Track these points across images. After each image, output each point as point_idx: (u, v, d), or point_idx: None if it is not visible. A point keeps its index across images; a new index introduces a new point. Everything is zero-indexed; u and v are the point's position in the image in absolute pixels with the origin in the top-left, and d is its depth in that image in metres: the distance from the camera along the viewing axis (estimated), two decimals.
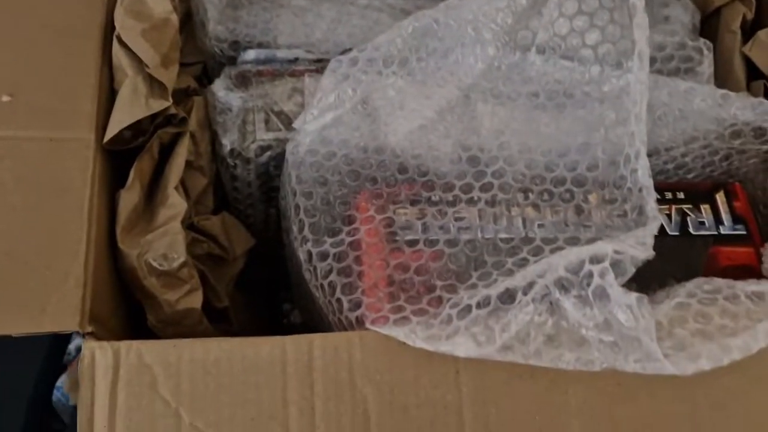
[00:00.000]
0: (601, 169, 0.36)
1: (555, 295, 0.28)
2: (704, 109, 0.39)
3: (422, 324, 0.31)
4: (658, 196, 0.42)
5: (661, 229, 0.40)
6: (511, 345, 0.28)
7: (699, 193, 0.42)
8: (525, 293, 0.29)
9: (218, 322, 0.43)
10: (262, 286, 0.53)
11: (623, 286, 0.29)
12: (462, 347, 0.29)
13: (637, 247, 0.28)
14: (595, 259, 0.28)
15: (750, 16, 0.47)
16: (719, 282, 0.31)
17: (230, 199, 0.46)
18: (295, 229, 0.39)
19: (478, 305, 0.30)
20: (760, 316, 0.29)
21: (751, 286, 0.31)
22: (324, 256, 0.36)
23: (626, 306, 0.26)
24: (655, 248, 0.40)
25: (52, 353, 0.45)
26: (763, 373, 0.31)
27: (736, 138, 0.40)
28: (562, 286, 0.28)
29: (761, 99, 0.39)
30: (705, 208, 0.42)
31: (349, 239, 0.37)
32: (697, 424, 0.30)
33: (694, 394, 0.31)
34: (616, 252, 0.27)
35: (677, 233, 0.40)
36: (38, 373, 0.44)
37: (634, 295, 0.27)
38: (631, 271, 0.28)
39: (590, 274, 0.27)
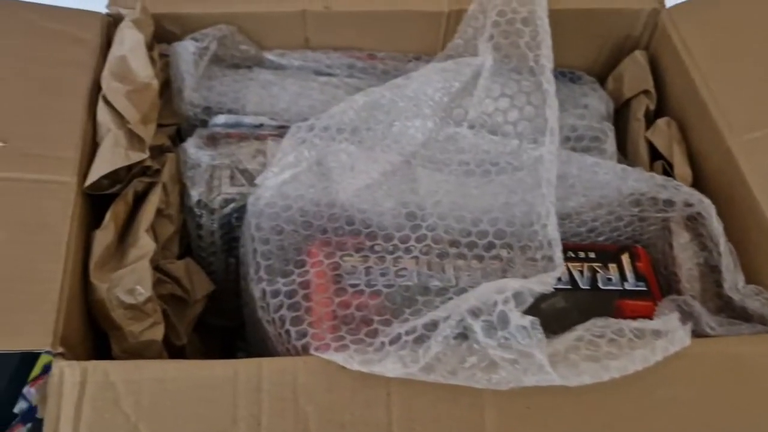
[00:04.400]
0: (518, 225, 0.42)
1: (468, 321, 0.33)
2: (607, 180, 0.46)
3: (359, 351, 0.36)
4: (572, 255, 0.48)
5: (574, 283, 0.47)
6: (432, 365, 0.33)
7: (607, 254, 0.49)
8: (444, 321, 0.34)
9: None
10: (217, 333, 0.56)
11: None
12: (391, 368, 0.34)
13: (537, 283, 0.34)
14: (500, 291, 0.33)
15: (652, 107, 0.55)
16: (610, 320, 0.37)
17: (194, 248, 0.51)
18: (251, 271, 0.43)
19: (407, 333, 0.35)
20: (638, 346, 0.34)
21: (635, 323, 0.36)
22: (276, 294, 0.41)
23: (522, 326, 0.32)
24: (568, 300, 0.46)
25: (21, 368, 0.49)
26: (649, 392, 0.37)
27: (635, 206, 0.47)
28: (473, 313, 0.33)
29: (653, 173, 0.46)
30: (612, 266, 0.48)
31: (299, 280, 0.41)
32: None
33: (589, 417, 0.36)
34: (518, 285, 0.33)
35: (588, 287, 0.47)
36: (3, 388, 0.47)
37: (528, 318, 0.32)
38: (530, 300, 0.33)
39: (495, 303, 0.33)
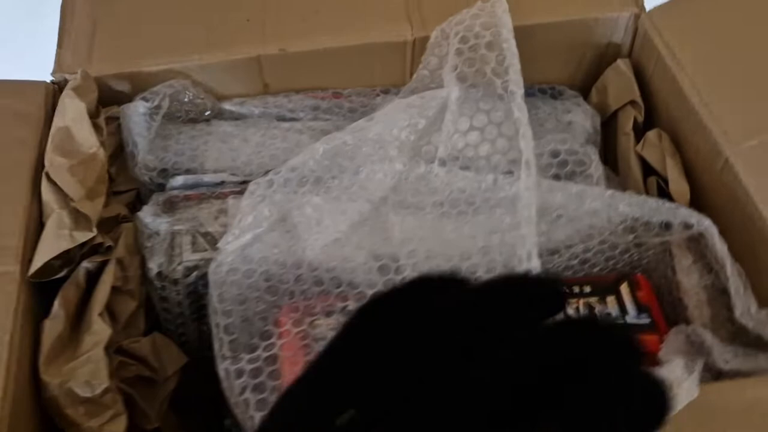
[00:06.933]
0: (497, 271, 0.39)
1: None
2: (595, 208, 0.42)
3: None
4: (566, 290, 0.44)
5: None
6: None
7: (604, 286, 0.44)
8: None
9: None
10: (201, 403, 0.53)
11: None
12: None
13: None
14: None
15: (640, 118, 0.51)
16: None
17: (161, 320, 0.48)
18: (216, 347, 0.40)
19: None
20: None
21: None
22: (240, 374, 0.37)
23: None
24: None
25: None
26: None
27: (629, 233, 0.43)
28: None
29: (646, 197, 0.42)
30: (610, 299, 0.44)
31: (265, 354, 0.38)
32: None
33: None
34: None
35: None
36: None
37: None
38: None
39: None
